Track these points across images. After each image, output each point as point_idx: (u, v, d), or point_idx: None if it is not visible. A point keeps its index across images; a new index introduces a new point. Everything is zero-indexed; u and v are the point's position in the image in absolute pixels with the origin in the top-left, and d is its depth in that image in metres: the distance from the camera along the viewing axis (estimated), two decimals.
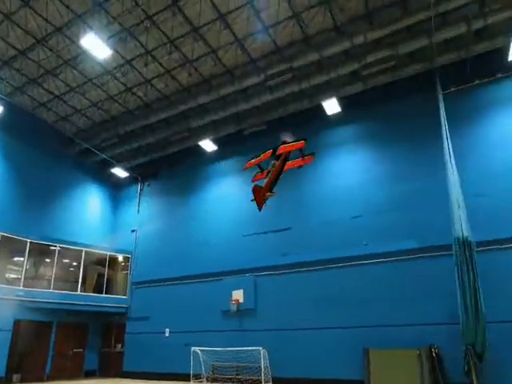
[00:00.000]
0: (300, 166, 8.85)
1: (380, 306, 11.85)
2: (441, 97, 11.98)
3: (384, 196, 13.15)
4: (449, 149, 11.33)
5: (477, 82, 12.66)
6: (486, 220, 10.94)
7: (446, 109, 11.84)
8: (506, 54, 11.81)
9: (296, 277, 13.90)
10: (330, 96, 13.94)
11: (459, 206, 10.48)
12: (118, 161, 19.41)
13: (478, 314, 9.66)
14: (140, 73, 15.44)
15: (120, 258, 19.88)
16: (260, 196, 8.35)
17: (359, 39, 12.04)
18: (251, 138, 16.69)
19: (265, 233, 15.35)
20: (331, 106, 14.34)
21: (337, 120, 14.81)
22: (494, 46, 11.98)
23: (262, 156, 8.49)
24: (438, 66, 12.56)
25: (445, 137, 11.46)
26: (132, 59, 14.73)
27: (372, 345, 11.39)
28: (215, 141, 17.40)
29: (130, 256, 19.44)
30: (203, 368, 14.05)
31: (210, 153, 17.92)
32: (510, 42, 11.40)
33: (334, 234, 13.51)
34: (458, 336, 9.92)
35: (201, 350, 14.24)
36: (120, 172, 19.94)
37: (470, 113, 12.82)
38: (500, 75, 12.52)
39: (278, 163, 8.31)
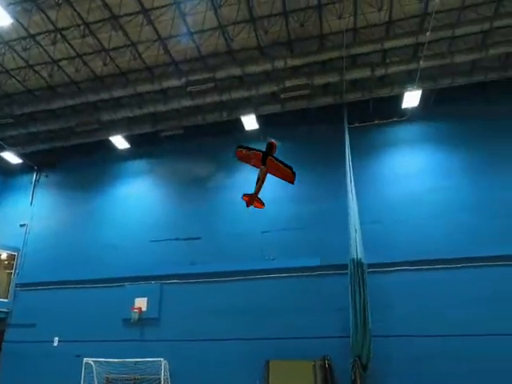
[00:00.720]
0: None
1: (282, 318, 12.51)
2: (347, 130, 13.15)
3: (293, 214, 13.89)
4: (351, 178, 12.46)
5: (376, 121, 14.14)
6: (379, 244, 12.35)
7: (351, 141, 13.00)
8: (401, 102, 13.36)
9: (203, 287, 13.89)
10: (249, 112, 14.13)
11: (356, 231, 11.68)
12: (10, 145, 16.93)
13: (365, 329, 10.84)
14: (46, 51, 13.66)
15: (3, 255, 17.53)
16: (251, 201, 9.66)
17: (280, 63, 12.39)
18: (167, 141, 16.12)
19: (176, 239, 15.00)
20: (249, 122, 14.53)
21: (255, 135, 15.10)
22: (392, 93, 13.40)
23: (252, 153, 8.60)
24: (347, 101, 13.61)
25: (348, 166, 12.59)
26: (37, 34, 12.97)
27: (273, 356, 12.00)
28: (128, 138, 16.29)
29: (16, 253, 17.23)
30: (96, 381, 13.22)
31: (122, 150, 16.73)
32: (404, 92, 12.91)
33: (243, 246, 13.82)
34: (348, 348, 11.05)
35: (94, 362, 13.38)
36: (11, 157, 17.41)
37: (370, 148, 14.21)
38: (395, 119, 14.17)
39: (264, 171, 8.81)
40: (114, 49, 13.47)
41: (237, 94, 13.56)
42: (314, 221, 13.45)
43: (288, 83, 12.67)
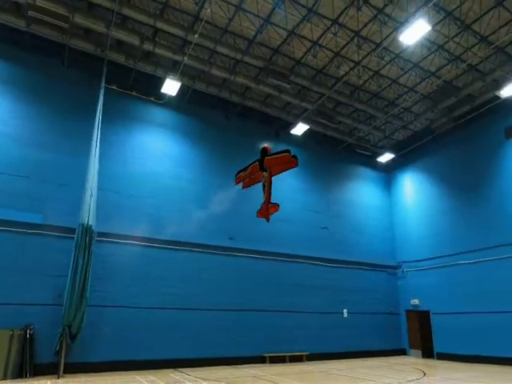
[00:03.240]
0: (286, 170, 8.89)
1: None
2: (103, 88, 12.64)
3: (18, 157, 12.01)
4: (97, 139, 11.85)
5: (135, 93, 14.57)
6: (111, 214, 12.54)
7: (106, 103, 12.52)
8: (161, 86, 14.16)
9: None
10: None
11: (92, 195, 11.15)
12: None
13: (82, 298, 10.48)
14: None
15: None
16: (267, 213, 9.03)
17: None
18: None
19: None
20: None
21: None
22: (156, 73, 14.20)
23: (250, 169, 8.77)
24: (109, 59, 13.26)
25: (96, 126, 11.99)
26: None
27: None
28: None
29: None
30: None
31: None
32: (166, 78, 13.77)
33: None
34: (59, 317, 10.44)
35: None
36: None
37: (125, 118, 14.36)
38: (153, 99, 15.04)
39: (267, 175, 8.60)
40: None
41: None
42: (43, 172, 12.14)
43: (41, 2, 10.89)
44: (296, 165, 8.43)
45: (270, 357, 14.94)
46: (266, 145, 8.83)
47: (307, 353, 15.96)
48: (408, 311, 19.41)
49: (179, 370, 12.45)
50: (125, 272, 12.85)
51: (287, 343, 15.63)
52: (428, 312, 18.15)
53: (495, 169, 16.34)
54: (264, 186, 8.83)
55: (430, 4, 12.06)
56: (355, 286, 18.42)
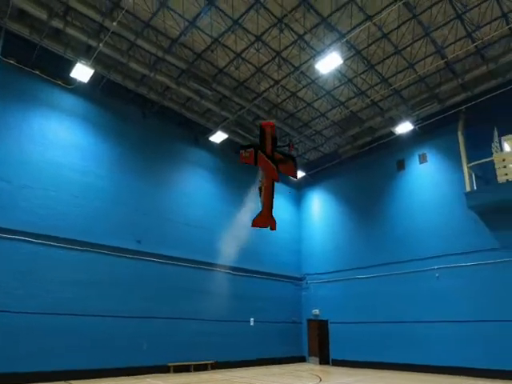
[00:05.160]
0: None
1: None
2: None
3: None
4: None
5: (37, 72, 13.07)
6: (4, 205, 11.30)
7: (2, 78, 11.18)
8: (71, 69, 13.03)
9: None
10: None
11: None
12: None
13: None
14: None
15: None
16: (266, 222, 6.86)
17: None
18: None
19: None
20: None
21: None
22: (65, 55, 12.90)
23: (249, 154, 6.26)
24: (8, 28, 11.82)
25: None
26: None
27: None
28: None
29: None
30: None
31: None
32: (76, 62, 12.75)
33: None
34: None
35: None
36: None
37: (24, 99, 12.78)
38: (60, 83, 13.71)
39: (269, 175, 6.45)
40: None
41: None
42: None
43: None
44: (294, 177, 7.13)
45: (173, 366, 14.44)
46: (270, 121, 6.59)
47: (213, 361, 15.83)
48: (309, 320, 20.55)
49: (71, 382, 11.28)
50: (10, 272, 11.38)
51: (192, 352, 15.29)
52: (326, 321, 19.50)
53: (388, 196, 18.34)
54: (260, 189, 6.83)
55: (343, 40, 13.24)
56: (263, 296, 18.89)
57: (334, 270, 19.70)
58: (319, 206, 22.09)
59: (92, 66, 13.22)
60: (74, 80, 13.84)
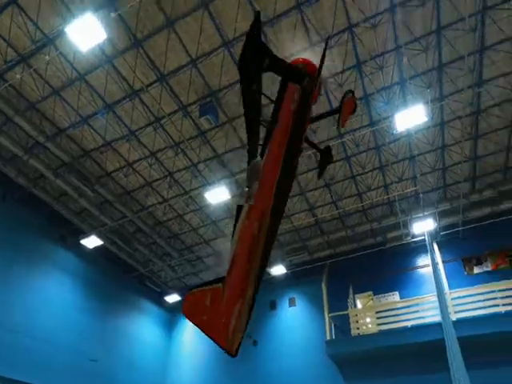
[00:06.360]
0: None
1: None
2: None
3: None
4: None
5: None
6: None
7: None
8: None
9: None
10: None
11: None
12: None
13: None
14: None
15: None
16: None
17: None
18: None
19: None
20: None
21: None
22: None
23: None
24: None
25: None
26: None
27: None
28: None
29: None
30: None
31: None
32: None
33: None
34: None
35: None
36: None
37: None
38: None
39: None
40: None
41: None
42: None
43: None
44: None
45: None
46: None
47: None
48: None
49: None
50: None
51: None
52: None
53: (260, 335, 17.17)
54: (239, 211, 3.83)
55: (233, 179, 13.77)
56: None
57: None
58: (192, 336, 19.69)
59: None
60: None
